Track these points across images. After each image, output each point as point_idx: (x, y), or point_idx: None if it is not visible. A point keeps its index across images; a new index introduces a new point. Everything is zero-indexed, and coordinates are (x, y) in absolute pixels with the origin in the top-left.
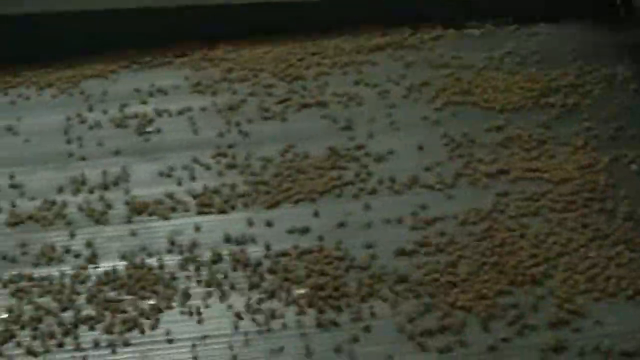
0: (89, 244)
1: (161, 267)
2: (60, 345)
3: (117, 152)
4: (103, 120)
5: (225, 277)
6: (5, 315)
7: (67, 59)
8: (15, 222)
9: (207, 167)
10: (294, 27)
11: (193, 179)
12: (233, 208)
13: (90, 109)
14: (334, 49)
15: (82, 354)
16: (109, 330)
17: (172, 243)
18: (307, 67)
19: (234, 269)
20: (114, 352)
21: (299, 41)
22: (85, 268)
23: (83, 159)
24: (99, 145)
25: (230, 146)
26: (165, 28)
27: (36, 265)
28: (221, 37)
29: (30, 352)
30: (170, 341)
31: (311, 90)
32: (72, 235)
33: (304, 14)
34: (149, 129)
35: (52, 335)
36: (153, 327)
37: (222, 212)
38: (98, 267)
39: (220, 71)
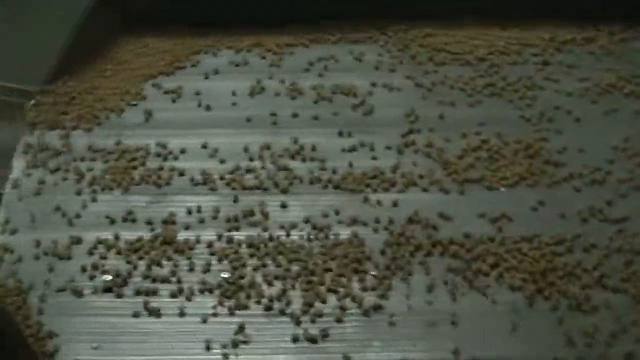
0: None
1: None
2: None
3: (310, 124)
4: (305, 88)
5: None
6: (226, 275)
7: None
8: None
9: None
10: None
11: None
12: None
13: (281, 79)
14: None
15: None
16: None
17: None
18: None
19: None
20: None
21: None
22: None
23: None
24: (293, 116)
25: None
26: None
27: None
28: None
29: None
30: None
31: None
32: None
33: None
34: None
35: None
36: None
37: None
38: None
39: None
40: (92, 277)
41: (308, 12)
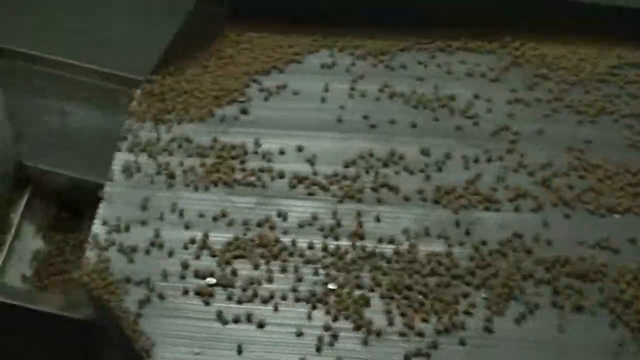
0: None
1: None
2: None
3: (410, 132)
4: (406, 94)
5: None
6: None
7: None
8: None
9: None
10: None
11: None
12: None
13: (383, 83)
14: None
15: None
16: None
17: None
18: None
19: None
20: None
21: None
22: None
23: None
24: (390, 122)
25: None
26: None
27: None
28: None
29: None
30: None
31: None
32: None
33: None
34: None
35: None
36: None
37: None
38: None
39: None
40: (186, 278)
41: (414, 15)
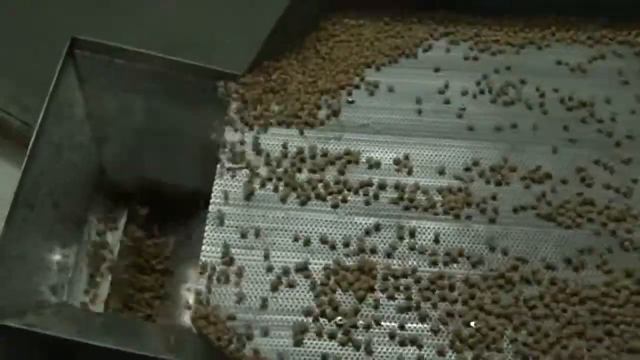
0: None
1: None
2: None
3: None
4: (527, 94)
5: None
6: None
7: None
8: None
9: None
10: None
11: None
12: None
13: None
14: None
15: None
16: None
17: None
18: None
19: None
20: None
21: None
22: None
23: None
24: (513, 126)
25: None
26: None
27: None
28: None
29: None
30: None
31: None
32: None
33: None
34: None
35: None
36: None
37: None
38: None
39: None
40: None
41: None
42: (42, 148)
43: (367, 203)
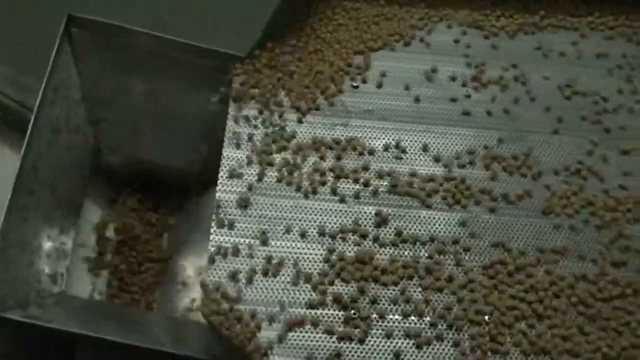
0: None
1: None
2: None
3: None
4: (534, 80)
5: None
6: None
7: None
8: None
9: None
10: None
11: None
12: None
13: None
14: None
15: None
16: None
17: None
18: None
19: None
20: None
21: None
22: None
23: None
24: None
25: None
26: None
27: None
28: None
29: None
30: None
31: None
32: None
33: None
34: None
35: None
36: None
37: None
38: None
39: None
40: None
41: None
42: (40, 131)
43: (375, 193)
